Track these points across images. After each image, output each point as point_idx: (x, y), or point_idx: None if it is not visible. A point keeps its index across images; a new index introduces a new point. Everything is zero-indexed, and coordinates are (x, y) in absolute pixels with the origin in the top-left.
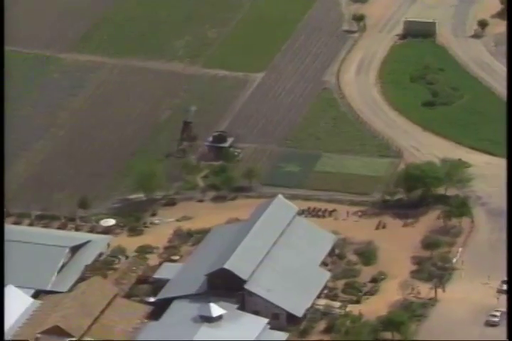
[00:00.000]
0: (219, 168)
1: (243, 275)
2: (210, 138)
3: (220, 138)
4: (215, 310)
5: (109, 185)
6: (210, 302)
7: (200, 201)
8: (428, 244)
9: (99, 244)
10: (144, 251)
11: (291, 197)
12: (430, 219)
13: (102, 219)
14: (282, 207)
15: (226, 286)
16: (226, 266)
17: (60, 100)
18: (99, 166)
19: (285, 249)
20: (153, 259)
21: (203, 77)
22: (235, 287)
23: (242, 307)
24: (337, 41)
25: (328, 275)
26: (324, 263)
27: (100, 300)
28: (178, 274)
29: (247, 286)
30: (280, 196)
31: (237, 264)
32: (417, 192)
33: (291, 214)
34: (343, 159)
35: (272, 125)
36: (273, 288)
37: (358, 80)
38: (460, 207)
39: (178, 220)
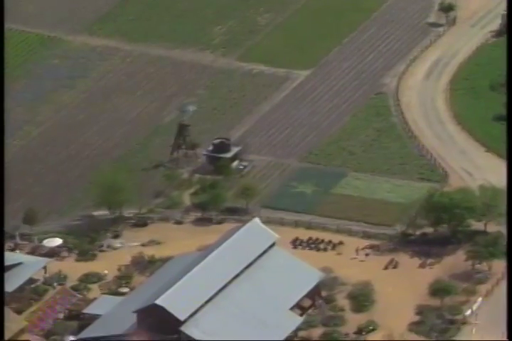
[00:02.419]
0: (210, 183)
1: (180, 315)
2: (210, 147)
3: (222, 146)
4: None
5: (74, 198)
6: None
7: (179, 223)
8: (436, 290)
9: (30, 268)
10: (88, 280)
11: (293, 224)
12: (456, 260)
13: (48, 238)
14: (256, 233)
15: (159, 326)
16: (158, 302)
17: (49, 92)
18: (69, 174)
19: (248, 286)
20: (96, 291)
21: (234, 72)
22: (169, 328)
23: None
24: (415, 36)
25: (298, 321)
26: (300, 307)
27: None
28: (111, 310)
29: (183, 328)
30: (256, 220)
31: (174, 300)
32: (447, 226)
33: (266, 243)
34: (371, 180)
35: (298, 135)
36: (218, 332)
37: (425, 85)
38: (490, 247)
39: (143, 245)
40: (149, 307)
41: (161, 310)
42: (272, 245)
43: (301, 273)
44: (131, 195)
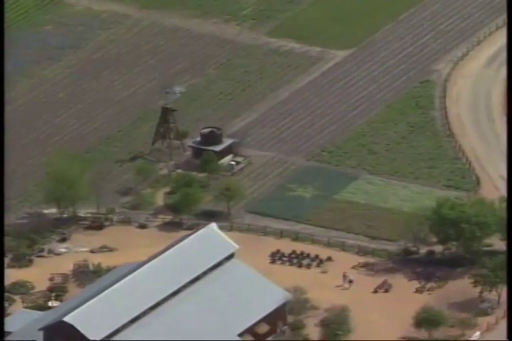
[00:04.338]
0: (187, 180)
1: (92, 335)
2: (198, 138)
3: (211, 137)
4: None
5: (26, 192)
6: None
7: (142, 227)
8: (421, 321)
9: None
10: (15, 290)
11: (278, 234)
12: (462, 286)
13: None
14: (210, 241)
15: None
16: (67, 319)
17: (31, 64)
18: (29, 163)
19: (190, 303)
20: (20, 303)
21: (258, 49)
22: None
23: None
24: (487, 14)
25: None
26: (254, 333)
27: None
28: (24, 326)
29: None
30: (213, 225)
31: (87, 317)
32: (459, 244)
33: (222, 253)
34: (386, 186)
35: (315, 127)
36: None
37: (483, 73)
38: (496, 271)
39: (92, 251)
40: (57, 325)
41: (69, 329)
42: (230, 257)
43: (261, 293)
44: (87, 190)
